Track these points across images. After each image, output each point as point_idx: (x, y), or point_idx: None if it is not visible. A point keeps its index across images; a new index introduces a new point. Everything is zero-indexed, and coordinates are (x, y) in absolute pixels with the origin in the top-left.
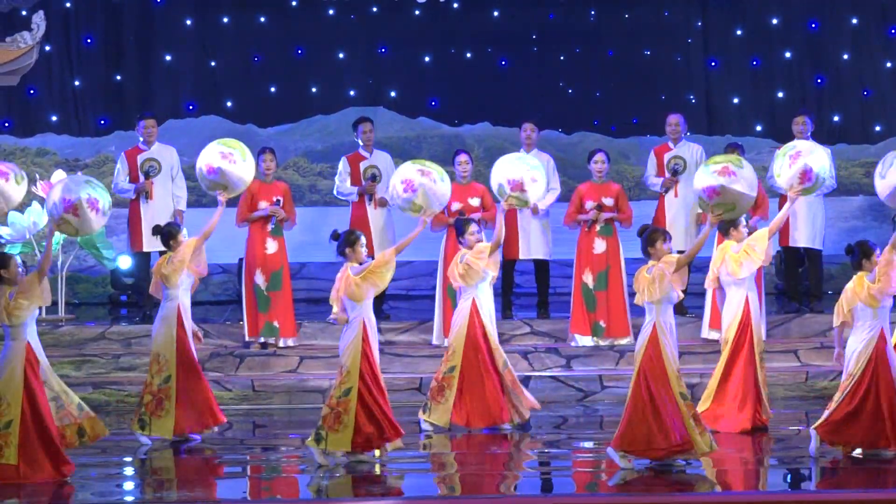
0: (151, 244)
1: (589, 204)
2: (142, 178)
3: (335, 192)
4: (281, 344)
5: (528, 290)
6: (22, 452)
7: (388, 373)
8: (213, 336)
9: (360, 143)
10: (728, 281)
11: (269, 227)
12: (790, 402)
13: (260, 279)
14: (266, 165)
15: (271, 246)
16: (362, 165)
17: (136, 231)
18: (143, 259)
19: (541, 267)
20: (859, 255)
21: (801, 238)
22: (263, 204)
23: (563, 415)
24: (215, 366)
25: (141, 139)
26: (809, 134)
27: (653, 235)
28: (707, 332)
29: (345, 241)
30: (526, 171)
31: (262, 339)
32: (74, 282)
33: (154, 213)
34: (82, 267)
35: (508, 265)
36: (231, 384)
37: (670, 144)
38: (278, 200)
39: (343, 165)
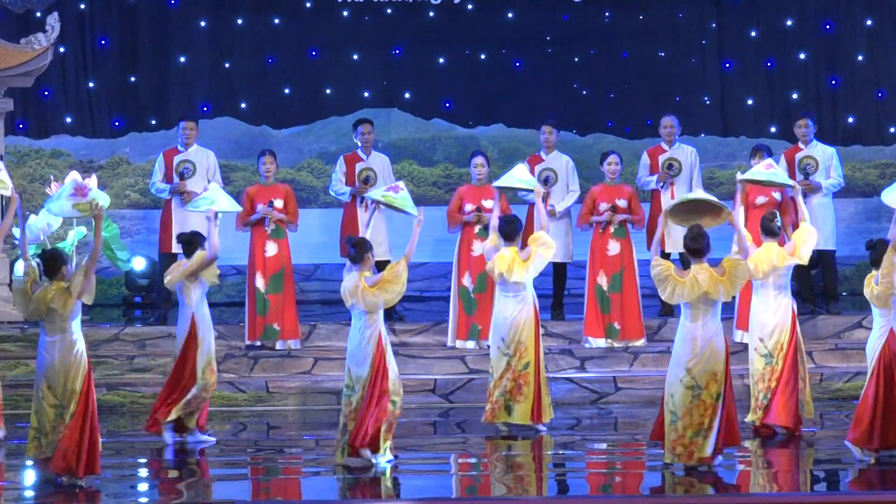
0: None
1: (602, 206)
2: (176, 179)
3: (330, 191)
4: (279, 346)
5: (543, 291)
6: None
7: (402, 374)
8: (227, 337)
9: (359, 145)
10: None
11: (266, 229)
12: None
13: (259, 282)
14: (265, 168)
15: (271, 248)
16: (358, 167)
17: (167, 232)
18: (170, 261)
19: (559, 269)
20: (878, 252)
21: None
22: (261, 207)
23: (577, 416)
24: (230, 367)
25: (179, 140)
26: (813, 135)
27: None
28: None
29: (362, 248)
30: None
31: (258, 343)
32: None
33: (186, 215)
34: (97, 268)
35: None
36: (245, 385)
37: (664, 146)
38: (271, 202)
39: (339, 165)
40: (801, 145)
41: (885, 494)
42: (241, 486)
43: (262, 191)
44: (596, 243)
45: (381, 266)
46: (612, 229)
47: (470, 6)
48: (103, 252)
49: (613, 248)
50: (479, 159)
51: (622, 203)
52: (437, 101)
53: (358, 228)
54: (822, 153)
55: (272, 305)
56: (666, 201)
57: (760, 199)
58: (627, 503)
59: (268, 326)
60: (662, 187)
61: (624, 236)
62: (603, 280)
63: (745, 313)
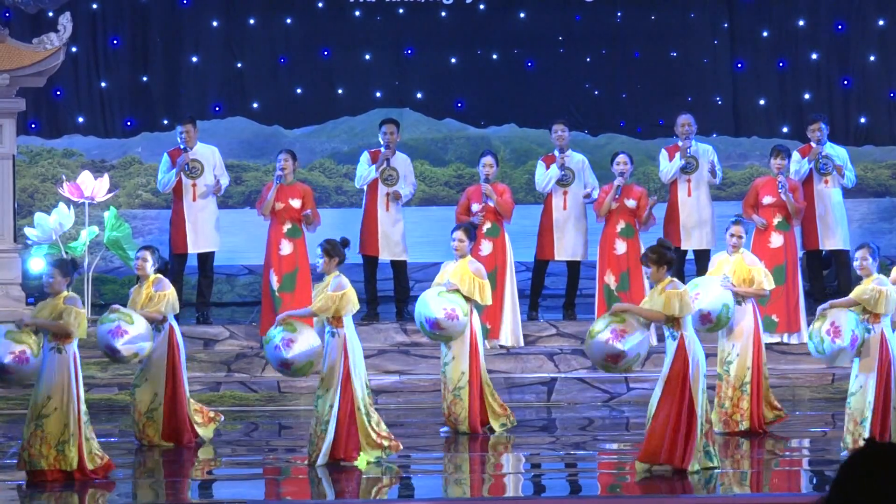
0: (194, 245)
1: (614, 204)
2: (183, 174)
3: (356, 184)
4: None
5: (554, 291)
6: None
7: (413, 374)
8: (238, 337)
9: (382, 143)
10: None
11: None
12: (816, 403)
13: (273, 280)
14: (281, 166)
15: (286, 247)
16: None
17: (180, 232)
18: (182, 261)
19: (572, 267)
20: None
21: (829, 241)
22: (279, 206)
23: (589, 416)
24: (241, 367)
25: (181, 144)
26: (826, 138)
27: None
28: None
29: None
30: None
31: None
32: (101, 283)
33: (197, 213)
34: (108, 268)
35: (541, 265)
36: (256, 385)
37: (681, 144)
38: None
39: (364, 158)
40: (813, 144)
41: None
42: (254, 485)
43: (281, 190)
44: (604, 243)
45: (396, 266)
46: (618, 228)
47: (482, 6)
48: (116, 252)
49: (620, 247)
50: (487, 159)
51: (631, 204)
52: (448, 101)
53: (376, 227)
54: (835, 154)
55: (284, 304)
56: (683, 200)
57: (767, 199)
58: (635, 503)
59: None
60: (686, 165)
61: (631, 236)
62: (611, 279)
63: None
